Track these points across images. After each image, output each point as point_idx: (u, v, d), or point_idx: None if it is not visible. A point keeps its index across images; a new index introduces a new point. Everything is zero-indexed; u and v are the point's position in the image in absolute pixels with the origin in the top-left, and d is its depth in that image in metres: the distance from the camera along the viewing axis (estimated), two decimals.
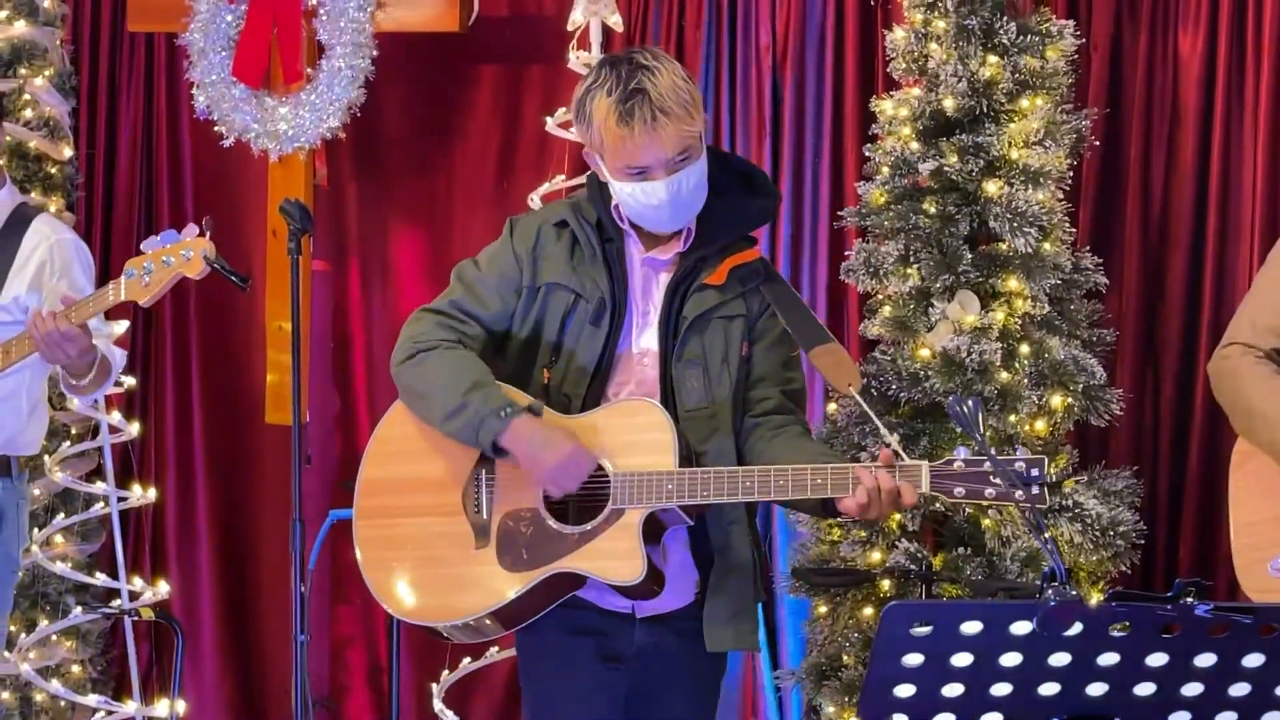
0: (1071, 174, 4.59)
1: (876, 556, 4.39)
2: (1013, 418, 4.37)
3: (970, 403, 2.75)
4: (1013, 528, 4.30)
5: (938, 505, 4.35)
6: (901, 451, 3.05)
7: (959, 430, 3.05)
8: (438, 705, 5.02)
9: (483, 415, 3.16)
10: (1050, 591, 2.40)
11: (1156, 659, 2.46)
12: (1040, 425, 4.41)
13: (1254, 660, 2.47)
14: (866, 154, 4.66)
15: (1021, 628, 2.41)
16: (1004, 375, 4.37)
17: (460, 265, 3.38)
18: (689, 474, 3.12)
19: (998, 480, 2.94)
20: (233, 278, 3.66)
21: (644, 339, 3.28)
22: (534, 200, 4.96)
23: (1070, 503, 4.37)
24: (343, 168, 5.59)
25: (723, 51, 5.35)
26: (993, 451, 2.96)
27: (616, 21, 4.97)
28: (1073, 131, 4.54)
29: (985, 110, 4.46)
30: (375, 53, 5.14)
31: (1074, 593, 2.37)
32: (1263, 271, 3.58)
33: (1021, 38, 4.48)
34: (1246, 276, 4.75)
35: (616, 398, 3.25)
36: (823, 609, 4.51)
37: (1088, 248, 4.68)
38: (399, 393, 3.32)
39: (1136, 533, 4.44)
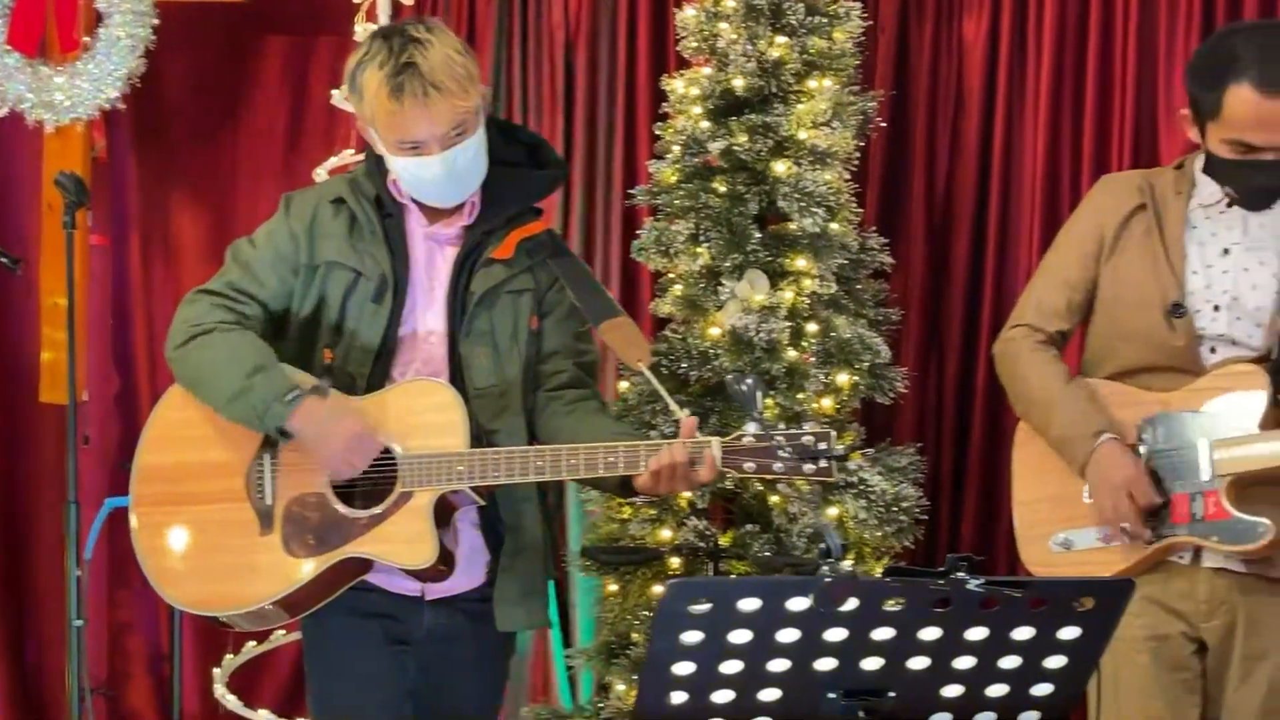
0: (858, 155, 4.64)
1: (666, 534, 4.40)
2: (800, 395, 4.40)
3: (749, 381, 2.76)
4: (800, 504, 4.34)
5: (727, 482, 4.37)
6: (693, 427, 3.05)
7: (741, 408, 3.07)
8: (219, 690, 4.93)
9: (267, 400, 3.09)
10: (826, 568, 2.42)
11: (930, 633, 2.49)
12: (827, 403, 4.46)
13: (1024, 633, 2.52)
14: (657, 132, 4.66)
15: (798, 604, 2.43)
16: (792, 354, 4.41)
17: (235, 244, 3.30)
18: (480, 455, 3.10)
19: (786, 454, 2.96)
20: (3, 260, 3.54)
21: (430, 317, 3.24)
22: (320, 175, 4.88)
23: (856, 479, 4.42)
24: (123, 140, 5.46)
25: (515, 27, 5.32)
26: (781, 426, 2.98)
27: None
28: (859, 113, 4.58)
29: (774, 90, 4.49)
30: (156, 22, 5.01)
31: (849, 568, 2.39)
32: (1048, 255, 3.66)
33: (810, 19, 4.51)
34: (1027, 257, 4.86)
35: (403, 378, 3.21)
36: (613, 587, 4.51)
37: (874, 228, 4.74)
38: (176, 378, 3.23)
39: (920, 508, 4.50)
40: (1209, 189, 3.45)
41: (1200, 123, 3.36)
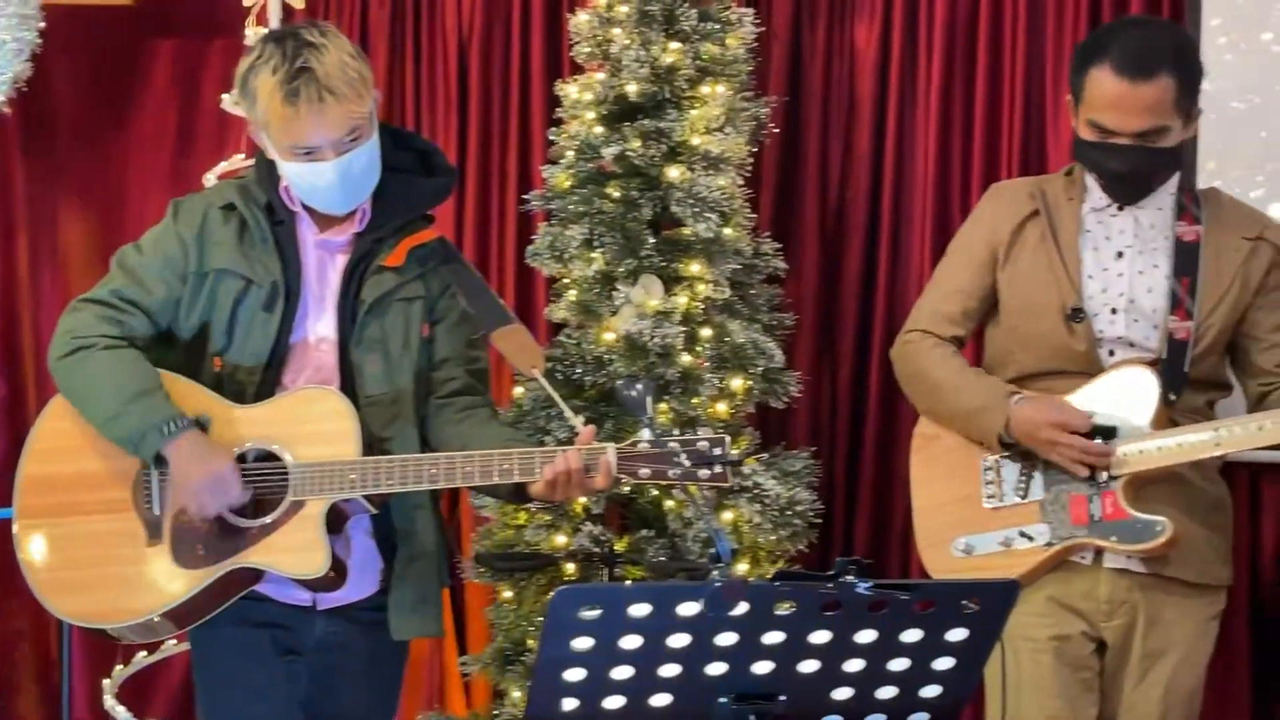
0: (752, 160, 4.66)
1: (561, 540, 4.39)
2: (695, 400, 4.41)
3: (639, 386, 2.77)
4: (694, 509, 4.35)
5: (623, 488, 4.38)
6: (590, 434, 3.05)
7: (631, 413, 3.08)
8: (109, 702, 4.86)
9: (144, 428, 3.06)
10: (716, 572, 2.43)
11: (820, 636, 2.51)
12: (722, 408, 4.47)
13: (912, 635, 2.54)
14: (551, 138, 4.65)
15: (689, 609, 2.44)
16: (686, 358, 4.42)
17: (121, 251, 3.26)
18: (372, 463, 3.08)
19: (682, 460, 2.97)
20: None
21: (321, 324, 3.22)
22: (210, 180, 4.82)
23: (750, 483, 4.43)
24: (10, 145, 5.37)
25: (408, 31, 5.29)
26: (676, 432, 2.99)
27: None
28: (753, 119, 4.60)
29: (667, 96, 4.50)
30: (42, 25, 4.93)
31: (739, 573, 2.40)
32: (941, 264, 3.70)
33: (703, 25, 4.52)
34: (919, 262, 4.89)
35: (294, 386, 3.19)
36: (507, 594, 4.50)
37: (768, 233, 4.76)
38: (58, 389, 3.19)
39: (814, 512, 4.52)
40: (1099, 193, 3.51)
41: (1075, 108, 3.43)
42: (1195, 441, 3.32)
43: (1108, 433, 3.35)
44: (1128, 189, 3.46)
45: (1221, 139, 4.47)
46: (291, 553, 3.09)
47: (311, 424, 3.13)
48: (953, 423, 3.53)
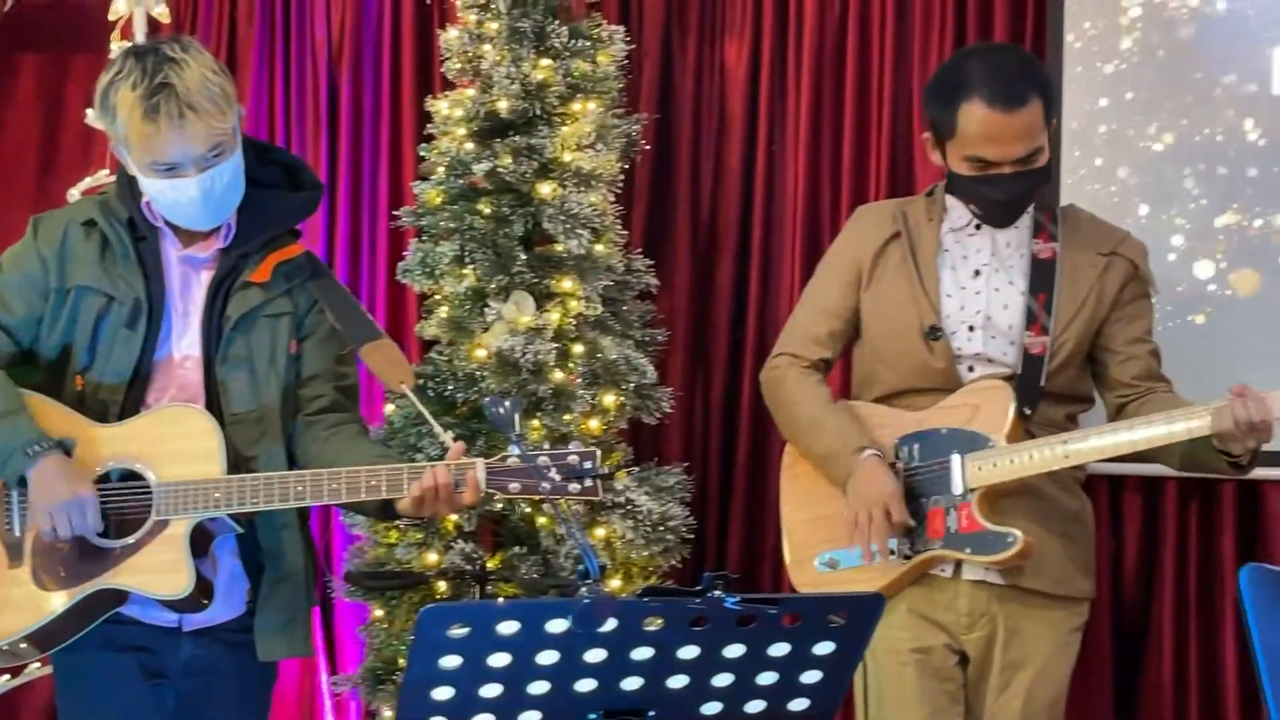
0: (624, 177, 4.68)
1: (433, 558, 4.37)
2: (567, 417, 4.42)
3: (506, 403, 2.76)
4: (564, 525, 4.35)
5: (497, 505, 4.37)
6: (460, 449, 3.04)
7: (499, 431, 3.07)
8: None
9: (8, 451, 3.01)
10: (585, 589, 2.43)
11: (688, 651, 2.51)
12: (594, 424, 4.48)
13: (780, 649, 2.55)
14: (422, 154, 4.64)
15: (557, 626, 2.43)
16: (558, 375, 4.42)
17: None
18: (237, 481, 3.04)
19: (551, 474, 2.96)
20: None
21: (185, 342, 3.17)
22: (74, 195, 4.75)
23: (623, 499, 4.44)
24: None
25: (277, 46, 5.25)
26: (546, 446, 2.99)
27: (162, 12, 4.81)
28: (624, 135, 4.62)
29: (538, 113, 4.50)
30: None
31: (607, 590, 2.40)
32: (809, 284, 3.73)
33: (573, 42, 4.54)
34: (790, 278, 4.93)
35: (157, 404, 3.14)
36: (379, 613, 4.47)
37: (640, 250, 4.78)
38: None
39: (687, 527, 4.54)
40: (958, 212, 3.55)
41: (940, 144, 3.47)
42: (1046, 454, 3.36)
43: (913, 530, 3.41)
44: (1008, 214, 3.51)
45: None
46: (155, 573, 3.04)
47: (175, 442, 3.08)
48: (809, 459, 3.57)
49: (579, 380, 4.46)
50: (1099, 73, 4.60)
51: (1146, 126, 4.55)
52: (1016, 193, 3.44)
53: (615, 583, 4.39)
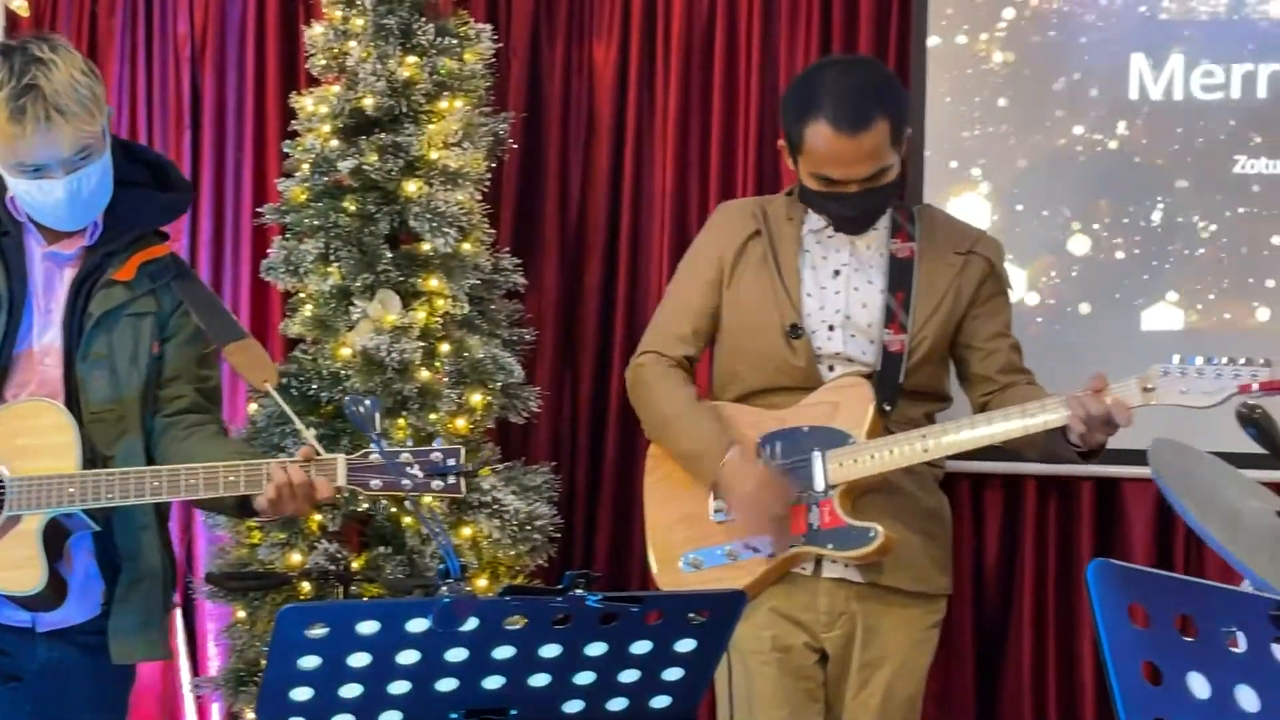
0: (491, 176, 4.66)
1: (297, 558, 4.33)
2: (433, 416, 4.40)
3: (366, 402, 2.75)
4: (425, 524, 4.33)
5: (362, 506, 4.34)
6: (320, 448, 3.02)
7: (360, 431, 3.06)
8: None
9: None
10: (445, 588, 2.42)
11: (550, 650, 2.51)
12: (461, 423, 4.46)
13: (642, 647, 2.56)
14: (286, 150, 4.59)
15: (418, 625, 2.42)
16: (424, 374, 4.40)
17: None
18: (92, 476, 3.00)
19: (414, 471, 2.95)
20: None
21: (46, 337, 3.13)
22: None
23: (490, 499, 4.43)
24: None
25: (139, 41, 5.17)
26: (410, 443, 2.97)
27: (20, 5, 4.73)
28: (491, 134, 4.61)
29: (405, 110, 4.48)
30: None
31: (468, 589, 2.40)
32: (672, 282, 3.74)
33: (440, 40, 4.52)
34: (658, 277, 4.95)
35: (15, 399, 3.09)
36: (241, 614, 4.42)
37: (508, 249, 4.77)
38: None
39: (554, 526, 4.54)
40: (818, 215, 3.58)
41: (792, 154, 3.50)
42: (905, 449, 3.40)
43: (805, 458, 3.44)
44: (857, 226, 3.54)
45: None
46: (6, 569, 2.99)
47: (31, 437, 3.04)
48: (674, 457, 3.58)
49: (445, 379, 4.44)
50: (963, 77, 4.66)
51: (1008, 131, 4.62)
52: (863, 209, 3.48)
53: (482, 582, 4.38)
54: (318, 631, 2.39)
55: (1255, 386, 3.11)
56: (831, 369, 3.52)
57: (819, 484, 3.43)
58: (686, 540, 3.56)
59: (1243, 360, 3.17)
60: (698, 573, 3.53)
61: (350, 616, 2.40)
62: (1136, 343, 4.49)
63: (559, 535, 4.59)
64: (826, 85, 3.43)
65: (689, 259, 3.70)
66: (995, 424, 3.37)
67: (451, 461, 2.96)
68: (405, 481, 2.96)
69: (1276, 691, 1.82)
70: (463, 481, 2.98)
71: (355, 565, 4.33)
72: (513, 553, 4.44)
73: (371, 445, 2.93)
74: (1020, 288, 4.52)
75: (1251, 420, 1.76)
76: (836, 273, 3.55)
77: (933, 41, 4.68)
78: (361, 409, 2.75)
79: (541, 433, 4.99)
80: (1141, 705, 1.94)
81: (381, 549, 4.37)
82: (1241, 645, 1.84)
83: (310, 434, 3.04)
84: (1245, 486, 2.44)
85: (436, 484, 2.96)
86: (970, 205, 4.57)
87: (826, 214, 3.52)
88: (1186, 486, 2.18)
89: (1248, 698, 1.85)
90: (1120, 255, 4.54)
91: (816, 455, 3.43)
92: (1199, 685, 1.89)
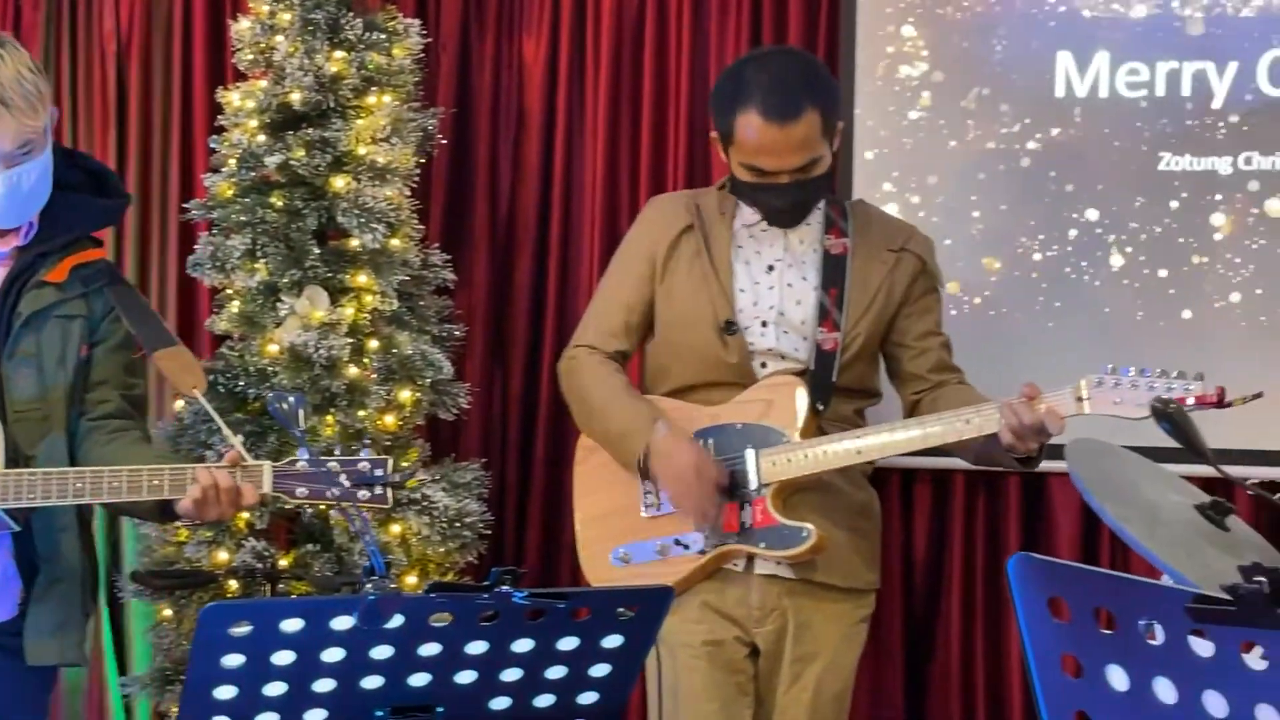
0: (420, 171, 4.65)
1: (224, 556, 4.31)
2: (361, 413, 4.38)
3: (291, 399, 2.73)
4: (352, 521, 4.31)
5: (291, 503, 4.31)
6: (245, 452, 3.00)
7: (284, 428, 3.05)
8: None
9: None
10: (370, 585, 2.41)
11: (477, 647, 2.50)
12: (390, 420, 4.44)
13: (569, 643, 2.55)
14: (213, 146, 4.56)
15: (343, 623, 2.40)
16: (353, 370, 4.38)
17: None
18: (14, 475, 2.97)
19: (341, 480, 2.95)
20: None
21: None
22: None
23: (419, 495, 4.42)
24: None
25: (64, 35, 5.13)
26: (337, 450, 2.97)
27: None
28: (420, 129, 4.59)
29: (332, 105, 4.46)
30: None
31: (393, 585, 2.39)
32: (604, 277, 3.73)
33: (368, 34, 4.50)
34: (588, 273, 4.94)
35: None
36: (168, 612, 4.39)
37: (437, 244, 4.76)
38: None
39: (484, 523, 4.53)
40: (750, 208, 3.59)
41: (724, 146, 3.50)
42: (839, 449, 3.42)
43: (734, 487, 3.44)
44: (789, 218, 3.55)
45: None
46: None
47: None
48: (603, 443, 3.57)
49: (374, 376, 4.43)
50: (893, 75, 4.67)
51: (934, 127, 4.64)
52: (794, 201, 3.49)
53: (411, 579, 4.36)
54: (241, 629, 2.37)
55: (1190, 401, 3.14)
56: (764, 365, 3.52)
57: (752, 482, 3.43)
58: (616, 535, 3.56)
59: (1175, 373, 3.21)
60: (627, 568, 3.52)
61: (274, 614, 2.38)
62: (1063, 345, 4.52)
63: (489, 532, 4.58)
64: (757, 76, 3.44)
65: (621, 253, 3.70)
66: (929, 427, 3.39)
67: (379, 471, 2.96)
68: (332, 490, 2.95)
69: (1193, 683, 1.84)
70: (390, 492, 2.98)
71: (283, 563, 4.31)
72: (442, 550, 4.43)
73: (299, 453, 2.93)
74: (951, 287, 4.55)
75: (1166, 415, 1.78)
76: (770, 268, 3.56)
77: (862, 35, 4.69)
78: (285, 406, 2.74)
79: (471, 429, 4.98)
80: (1062, 698, 1.95)
81: (310, 547, 4.35)
82: (1159, 638, 1.85)
83: (237, 440, 3.03)
84: (1165, 481, 2.46)
85: (363, 494, 2.96)
86: (899, 202, 4.59)
87: (758, 206, 3.52)
88: (1103, 484, 2.20)
89: (1166, 690, 1.87)
90: (1045, 255, 4.57)
91: (750, 453, 3.44)
92: (1118, 678, 1.91)
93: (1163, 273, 4.49)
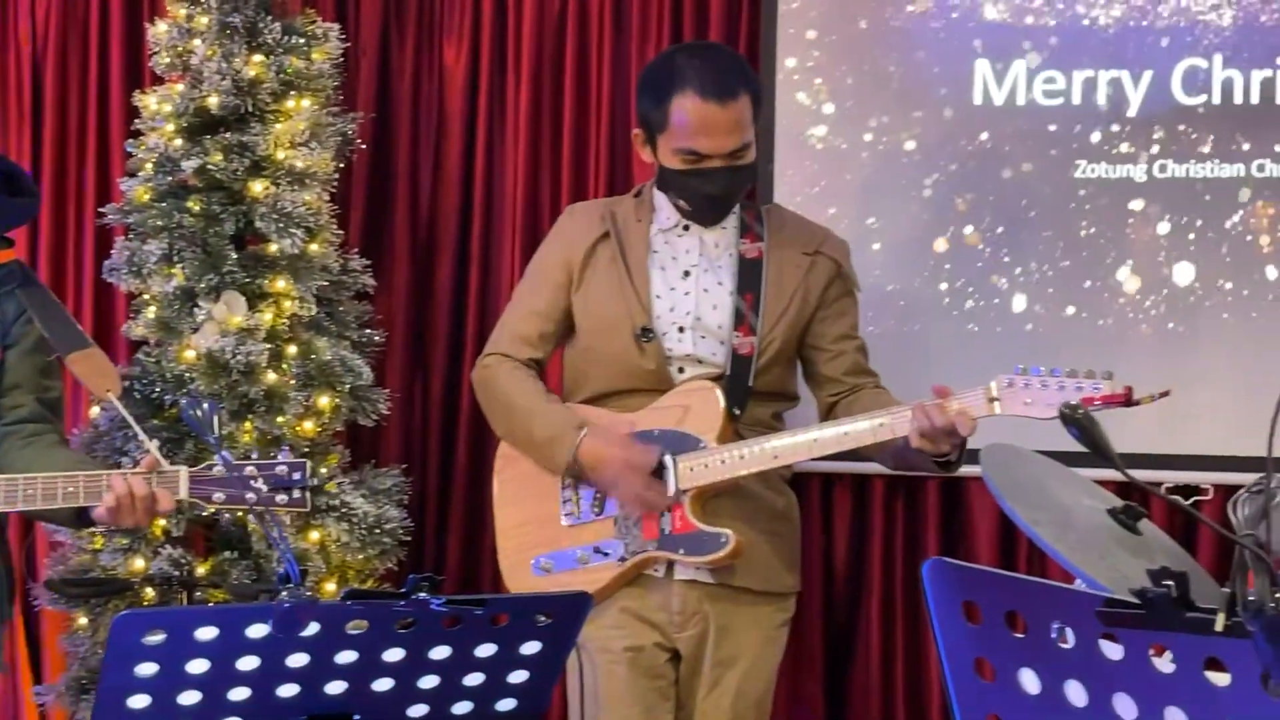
0: (340, 176, 4.63)
1: (140, 564, 4.27)
2: (280, 419, 4.35)
3: (205, 405, 2.72)
4: (265, 528, 4.29)
5: (209, 509, 4.28)
6: (161, 458, 2.98)
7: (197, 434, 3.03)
8: None
9: None
10: (285, 593, 2.40)
11: (394, 654, 2.50)
12: (309, 426, 4.42)
13: (486, 650, 2.56)
14: (130, 150, 4.52)
15: (258, 631, 2.40)
16: (271, 376, 4.35)
17: None
18: None
19: (258, 485, 2.93)
20: None
21: None
22: None
23: (338, 502, 4.40)
24: None
25: None
26: (255, 454, 2.95)
27: None
28: (339, 134, 4.57)
29: (250, 109, 4.43)
30: None
31: (308, 593, 2.38)
32: (520, 285, 3.74)
33: (287, 39, 4.48)
34: (510, 278, 4.93)
35: None
36: (83, 620, 4.35)
37: (357, 250, 4.74)
38: None
39: (404, 529, 4.52)
40: (666, 213, 3.60)
41: (651, 139, 3.51)
42: (756, 453, 3.43)
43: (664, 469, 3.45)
44: (717, 209, 3.56)
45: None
46: None
47: None
48: (527, 450, 3.57)
49: (292, 382, 4.40)
50: (811, 81, 4.69)
51: (851, 133, 4.66)
52: (726, 187, 3.50)
53: (330, 586, 4.34)
54: (154, 638, 2.35)
55: (1097, 400, 3.18)
56: (682, 371, 3.54)
57: (670, 488, 3.44)
58: (537, 543, 3.56)
59: (1084, 373, 3.24)
60: (548, 576, 3.53)
61: (188, 622, 2.37)
62: (976, 347, 4.55)
63: (409, 538, 4.56)
64: (690, 61, 3.48)
65: (536, 262, 3.71)
66: (843, 426, 3.42)
67: (297, 475, 2.95)
68: (249, 495, 2.94)
69: (1104, 686, 1.85)
70: (308, 496, 2.97)
71: (200, 571, 4.28)
72: (361, 556, 4.41)
73: (216, 458, 2.91)
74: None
75: (1074, 420, 1.80)
76: (686, 273, 3.57)
77: (783, 40, 4.70)
78: (199, 412, 2.72)
79: (392, 435, 4.96)
80: (975, 702, 1.97)
81: (227, 554, 4.32)
82: (1071, 641, 1.87)
83: (153, 445, 3.00)
84: (1078, 485, 2.49)
85: (281, 498, 2.95)
86: (816, 208, 4.60)
87: (687, 196, 3.53)
88: (1016, 488, 2.22)
89: (1077, 692, 1.89)
90: (961, 261, 4.59)
91: (668, 459, 3.45)
92: (1030, 681, 1.93)
93: (1079, 276, 4.53)
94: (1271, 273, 4.42)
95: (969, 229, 4.58)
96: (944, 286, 4.59)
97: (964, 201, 4.59)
